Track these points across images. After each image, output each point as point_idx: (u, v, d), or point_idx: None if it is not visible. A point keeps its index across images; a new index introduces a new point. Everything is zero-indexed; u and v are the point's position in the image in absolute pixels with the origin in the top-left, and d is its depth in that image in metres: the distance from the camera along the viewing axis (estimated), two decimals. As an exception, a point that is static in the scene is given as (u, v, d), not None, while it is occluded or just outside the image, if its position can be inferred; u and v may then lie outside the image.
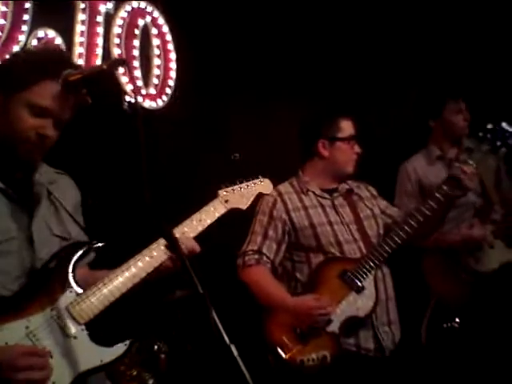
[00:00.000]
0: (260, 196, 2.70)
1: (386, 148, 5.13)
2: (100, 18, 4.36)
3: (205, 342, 3.37)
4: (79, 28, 4.25)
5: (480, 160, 3.45)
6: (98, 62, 4.31)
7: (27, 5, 3.93)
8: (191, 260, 2.03)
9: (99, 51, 4.33)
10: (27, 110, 2.16)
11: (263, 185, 2.71)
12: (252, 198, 2.64)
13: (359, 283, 3.20)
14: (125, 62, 2.34)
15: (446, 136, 4.21)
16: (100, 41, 4.35)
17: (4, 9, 3.86)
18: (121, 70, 4.23)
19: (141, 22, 4.62)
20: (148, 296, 4.06)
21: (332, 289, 3.20)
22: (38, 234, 2.24)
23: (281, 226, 3.34)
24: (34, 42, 3.98)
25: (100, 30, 4.36)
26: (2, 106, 2.18)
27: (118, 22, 4.48)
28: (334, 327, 3.16)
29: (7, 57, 3.45)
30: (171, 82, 4.77)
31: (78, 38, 4.24)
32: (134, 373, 3.58)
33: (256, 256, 3.32)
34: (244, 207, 2.59)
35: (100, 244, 2.31)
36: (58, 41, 4.11)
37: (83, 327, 2.16)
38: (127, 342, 2.21)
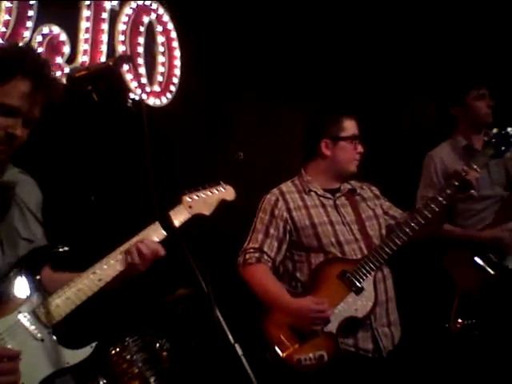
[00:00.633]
0: (223, 203, 2.76)
1: (392, 147, 5.13)
2: (105, 15, 4.37)
3: (207, 339, 3.36)
4: (84, 25, 4.26)
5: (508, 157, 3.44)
6: (103, 58, 4.31)
7: (32, 1, 3.94)
8: (193, 259, 2.04)
9: (104, 48, 4.33)
10: None
11: (226, 192, 2.78)
12: (215, 205, 2.71)
13: (358, 284, 3.20)
14: (130, 58, 2.35)
15: (471, 124, 4.15)
16: (105, 38, 4.35)
17: (9, 4, 3.87)
18: (125, 67, 4.25)
19: (146, 19, 4.62)
20: (145, 294, 4.09)
21: (331, 289, 3.20)
22: (6, 237, 2.25)
23: (282, 224, 3.34)
24: (39, 38, 3.99)
25: (105, 26, 4.37)
26: None
27: (123, 18, 4.48)
28: (331, 327, 3.16)
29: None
30: (175, 80, 4.77)
31: (83, 35, 4.24)
32: (136, 371, 3.57)
33: (257, 254, 3.32)
34: (207, 213, 2.66)
35: (66, 248, 2.36)
36: (63, 37, 4.12)
37: (50, 330, 2.19)
38: (93, 345, 2.27)
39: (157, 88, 4.66)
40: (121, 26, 4.46)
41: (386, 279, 3.32)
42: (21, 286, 2.20)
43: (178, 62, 4.80)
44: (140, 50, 4.55)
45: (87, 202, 3.80)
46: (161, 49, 4.73)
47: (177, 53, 4.80)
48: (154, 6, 4.69)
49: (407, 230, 3.27)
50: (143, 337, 3.70)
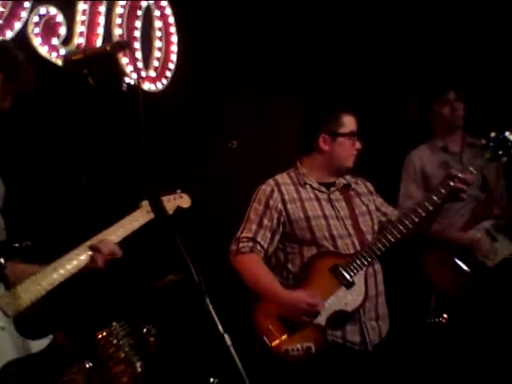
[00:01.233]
0: (179, 209, 2.96)
1: (387, 143, 5.14)
2: (103, -3, 4.34)
3: (195, 325, 3.38)
4: (81, 6, 4.23)
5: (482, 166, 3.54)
6: (99, 41, 4.29)
7: (30, -19, 3.91)
8: (184, 247, 2.04)
9: (100, 31, 4.31)
10: None
11: (182, 199, 2.98)
12: (172, 211, 2.91)
13: (350, 278, 3.20)
14: (128, 44, 2.34)
15: (443, 128, 4.34)
16: (102, 20, 4.33)
17: (7, -15, 3.84)
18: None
19: (144, 3, 4.60)
20: (134, 279, 4.10)
21: (322, 282, 3.20)
22: None
23: (276, 215, 3.33)
24: (36, 19, 3.97)
25: (102, 9, 4.34)
26: None
27: (121, 2, 4.45)
28: (320, 320, 3.17)
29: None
30: (172, 65, 4.75)
31: (80, 17, 4.22)
32: (122, 355, 3.57)
33: (250, 244, 3.32)
34: None
35: (28, 243, 2.47)
36: (60, 18, 4.09)
37: (11, 320, 2.25)
38: (51, 336, 2.35)
39: (152, 73, 4.64)
40: (118, 9, 4.43)
41: (377, 274, 3.32)
42: None
43: (174, 48, 4.78)
44: (137, 34, 4.52)
45: (54, 194, 3.85)
46: (158, 34, 4.70)
47: (174, 38, 4.78)
48: (153, -10, 4.66)
49: (401, 227, 3.27)
50: (130, 322, 3.70)
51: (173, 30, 4.77)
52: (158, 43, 4.69)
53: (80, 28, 4.21)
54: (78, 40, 4.19)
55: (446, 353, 3.99)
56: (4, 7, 3.82)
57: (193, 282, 1.91)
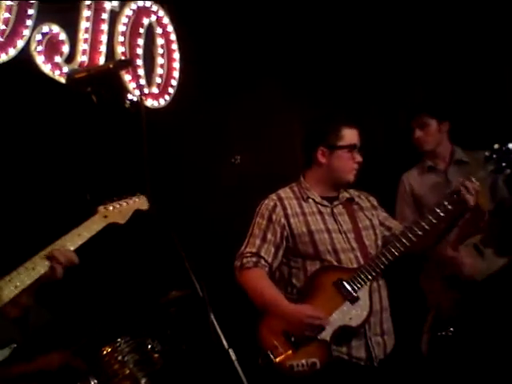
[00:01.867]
0: (138, 212, 2.92)
1: (390, 157, 5.13)
2: (105, 16, 4.38)
3: (199, 341, 3.37)
4: (84, 24, 4.27)
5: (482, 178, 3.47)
6: (102, 59, 4.32)
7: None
8: (188, 262, 2.04)
9: (103, 48, 4.34)
10: None
11: (140, 202, 2.94)
12: (130, 214, 2.89)
13: (354, 293, 3.19)
14: (131, 63, 2.36)
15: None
16: (104, 38, 4.36)
17: (9, 2, 3.88)
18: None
19: (146, 21, 4.63)
20: (139, 295, 4.09)
21: (326, 297, 3.19)
22: None
23: (279, 230, 3.33)
24: (39, 37, 4.00)
25: (105, 27, 4.38)
26: None
27: (123, 20, 4.49)
28: (325, 335, 3.15)
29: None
30: (174, 82, 4.78)
31: (83, 35, 4.25)
32: (127, 371, 3.57)
33: (254, 259, 3.31)
34: (122, 222, 2.84)
35: None
36: (62, 36, 4.12)
37: None
38: (12, 346, 2.37)
39: (155, 90, 4.67)
40: (121, 27, 4.47)
41: (381, 289, 3.31)
42: None
43: (176, 65, 4.81)
44: (139, 51, 4.56)
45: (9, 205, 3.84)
46: (160, 51, 4.73)
47: (176, 55, 4.81)
48: (155, 8, 4.70)
49: (404, 240, 3.26)
50: (135, 338, 3.70)
51: (175, 46, 4.81)
52: (160, 60, 4.73)
53: (83, 46, 4.24)
54: (81, 58, 4.22)
55: (449, 368, 3.97)
56: (6, 25, 3.85)
57: (197, 298, 1.91)
